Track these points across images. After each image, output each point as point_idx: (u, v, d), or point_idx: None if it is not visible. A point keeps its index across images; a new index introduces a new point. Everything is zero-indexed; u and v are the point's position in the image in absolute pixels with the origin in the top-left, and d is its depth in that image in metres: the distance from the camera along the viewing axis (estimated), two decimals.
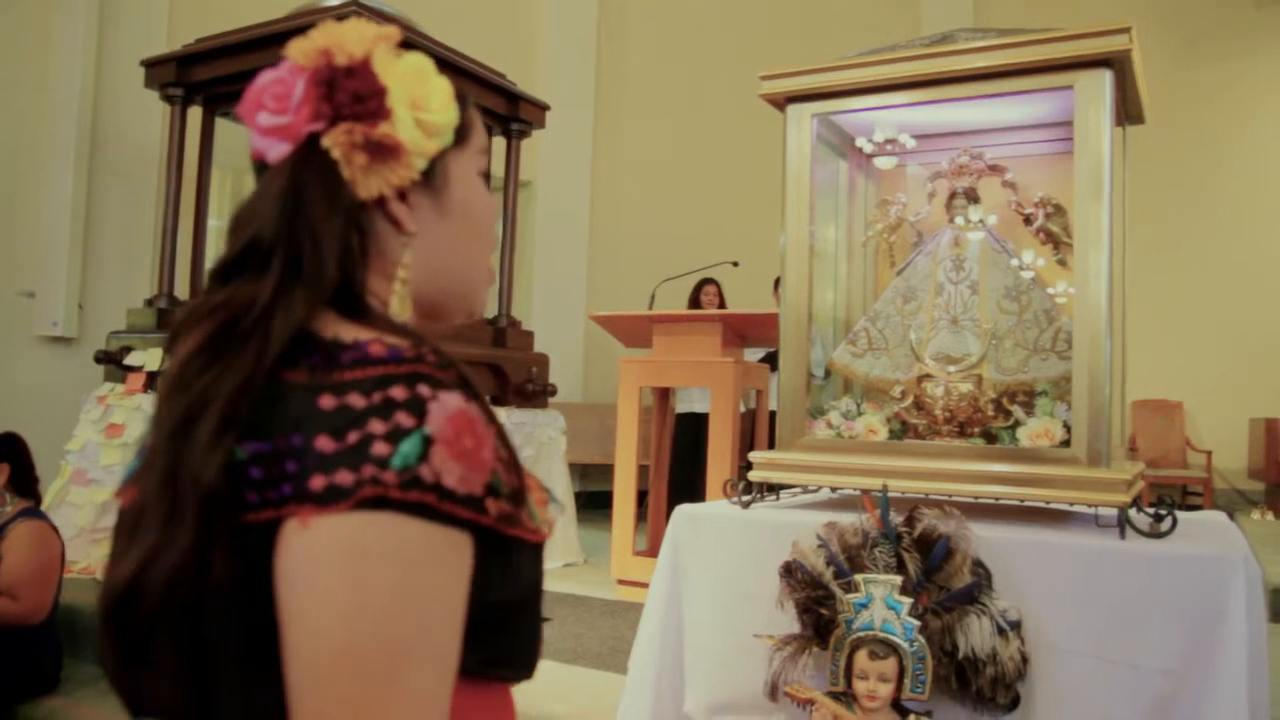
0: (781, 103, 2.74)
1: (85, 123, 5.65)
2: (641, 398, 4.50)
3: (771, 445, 2.74)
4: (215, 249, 5.44)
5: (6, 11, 5.46)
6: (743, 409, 4.81)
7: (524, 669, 0.78)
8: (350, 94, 0.76)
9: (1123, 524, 2.17)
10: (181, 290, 4.92)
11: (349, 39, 0.78)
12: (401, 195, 0.80)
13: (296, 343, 0.70)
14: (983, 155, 2.83)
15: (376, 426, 0.65)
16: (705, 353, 4.30)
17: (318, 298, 0.73)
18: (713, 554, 2.47)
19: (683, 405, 5.65)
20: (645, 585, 2.65)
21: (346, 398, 0.67)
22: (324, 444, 0.65)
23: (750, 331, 4.44)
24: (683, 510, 2.58)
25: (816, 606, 2.16)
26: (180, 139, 4.95)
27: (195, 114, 5.07)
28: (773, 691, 2.19)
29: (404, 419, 0.66)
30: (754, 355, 5.22)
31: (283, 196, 0.75)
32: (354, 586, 0.63)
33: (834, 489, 2.68)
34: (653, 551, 4.28)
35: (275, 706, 0.65)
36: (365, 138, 0.76)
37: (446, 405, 0.68)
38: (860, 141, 2.97)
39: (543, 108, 5.71)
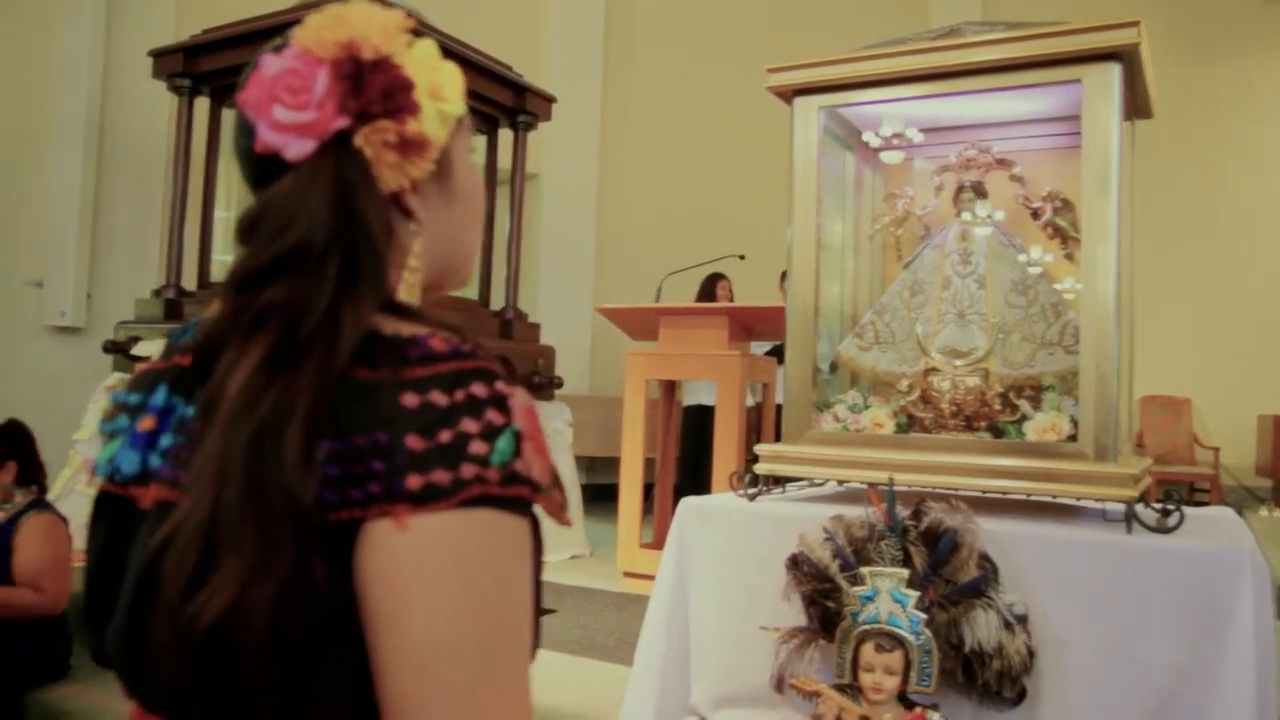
0: (789, 95, 2.74)
1: (93, 113, 5.66)
2: (648, 391, 4.51)
3: (778, 438, 2.75)
4: (223, 240, 5.45)
5: (14, 2, 5.46)
6: (750, 402, 4.81)
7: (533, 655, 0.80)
8: (380, 90, 0.74)
9: (1130, 519, 2.17)
10: (189, 280, 4.93)
11: (371, 30, 0.76)
12: (412, 185, 0.79)
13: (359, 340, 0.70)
14: (990, 149, 2.82)
15: (469, 425, 0.66)
16: (712, 346, 4.30)
17: (379, 297, 0.72)
18: (719, 546, 2.48)
19: (689, 398, 5.65)
20: (651, 578, 2.65)
21: (428, 395, 0.66)
22: (414, 442, 0.65)
23: (757, 325, 4.44)
24: (689, 503, 2.58)
25: (823, 599, 2.16)
26: (188, 130, 4.96)
27: (202, 105, 5.08)
28: (779, 684, 2.20)
29: (494, 416, 0.67)
30: (761, 349, 5.23)
31: (332, 197, 0.72)
32: (459, 583, 0.64)
33: (840, 482, 2.68)
34: (659, 544, 4.29)
35: (348, 698, 0.66)
36: (399, 136, 0.75)
37: (521, 399, 0.69)
38: (867, 135, 2.97)
39: (549, 100, 5.71)
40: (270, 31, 4.51)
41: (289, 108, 0.74)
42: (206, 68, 4.87)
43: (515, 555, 0.68)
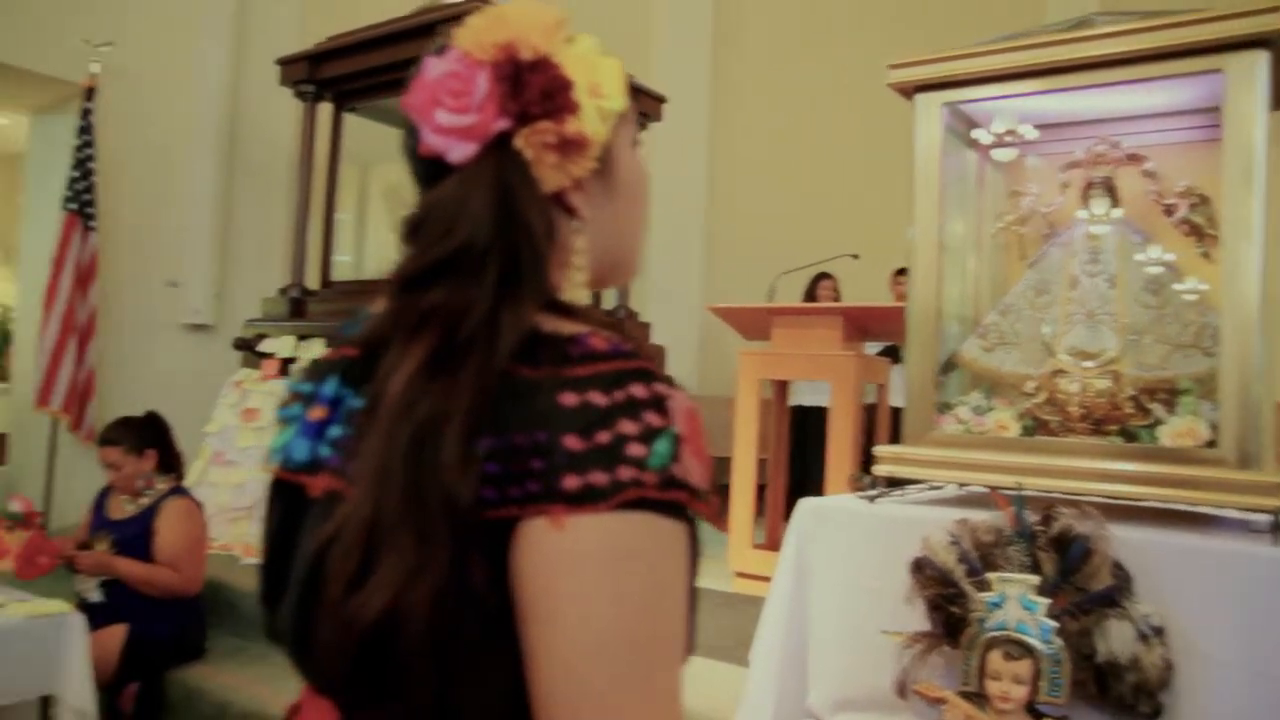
0: (910, 92, 2.69)
1: (225, 123, 5.92)
2: (760, 390, 4.49)
3: (894, 440, 2.70)
4: (345, 241, 5.65)
5: (154, 22, 5.74)
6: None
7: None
8: (539, 91, 0.75)
9: (1277, 529, 2.07)
10: (312, 280, 5.11)
11: (530, 30, 0.76)
12: (575, 182, 0.79)
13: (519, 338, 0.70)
14: (1120, 144, 2.73)
15: (628, 426, 0.66)
16: (826, 346, 4.26)
17: (540, 298, 0.73)
18: (838, 548, 2.46)
19: (791, 399, 5.61)
20: (764, 579, 2.65)
21: (588, 395, 0.67)
22: (573, 443, 0.65)
23: (872, 325, 4.38)
24: (807, 504, 2.57)
25: (947, 604, 2.12)
26: (310, 135, 5.14)
27: (325, 110, 5.26)
28: (901, 689, 2.17)
29: (653, 418, 0.66)
30: (874, 349, 5.15)
31: (494, 200, 0.73)
32: (613, 585, 0.64)
33: (962, 485, 2.63)
34: (771, 545, 4.28)
35: (505, 694, 0.68)
36: (559, 137, 0.75)
37: (681, 402, 0.69)
38: (977, 133, 2.89)
39: (660, 100, 5.73)
40: (390, 38, 4.66)
41: (451, 111, 0.75)
42: (329, 74, 5.04)
43: (670, 559, 0.67)
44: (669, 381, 0.70)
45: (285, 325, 4.80)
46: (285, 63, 5.13)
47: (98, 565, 3.45)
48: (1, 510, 2.74)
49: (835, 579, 2.44)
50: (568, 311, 0.75)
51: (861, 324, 4.36)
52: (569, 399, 0.66)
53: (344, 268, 5.40)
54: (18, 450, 5.79)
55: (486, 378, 0.67)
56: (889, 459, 2.61)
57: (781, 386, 4.82)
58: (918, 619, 2.18)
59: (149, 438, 3.63)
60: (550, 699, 0.65)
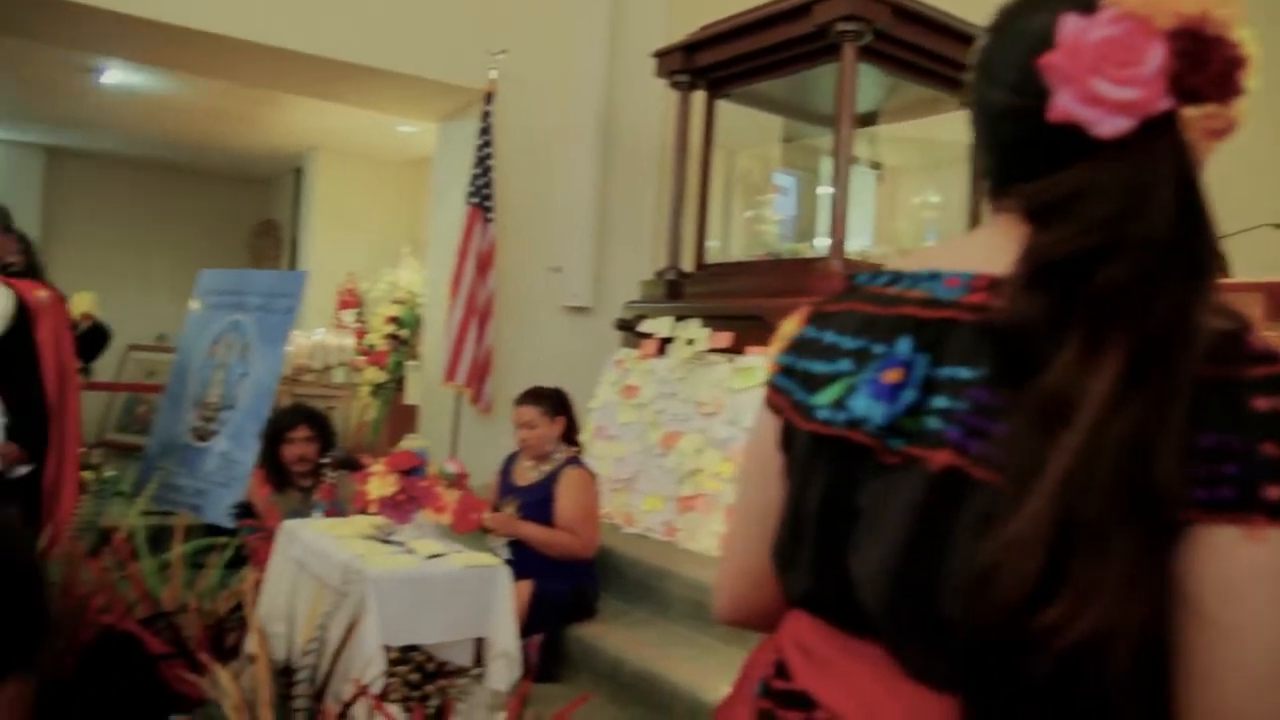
0: None
1: (601, 117, 6.28)
2: None
3: None
4: (719, 225, 5.81)
5: (540, 28, 6.21)
6: None
7: None
8: (1218, 72, 0.68)
9: None
10: (686, 263, 5.30)
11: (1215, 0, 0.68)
12: None
13: None
14: None
15: None
16: None
17: (1214, 292, 0.69)
18: None
19: None
20: None
21: (1275, 400, 0.63)
22: (1272, 450, 0.62)
23: None
24: None
25: None
26: (685, 123, 5.32)
27: (698, 99, 5.42)
28: None
29: None
30: None
31: (1176, 187, 0.68)
32: None
33: None
34: None
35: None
36: (1226, 124, 0.69)
37: None
38: None
39: None
40: (765, 23, 4.70)
41: (1113, 82, 0.68)
42: (702, 63, 5.18)
43: None
44: None
45: (663, 306, 5.01)
46: (661, 54, 5.35)
47: (506, 527, 3.80)
48: (440, 471, 3.08)
49: None
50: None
51: None
52: (1261, 403, 0.63)
53: (713, 251, 5.56)
54: (427, 421, 6.53)
55: (1188, 380, 0.64)
56: None
57: None
58: None
59: (560, 406, 3.96)
60: (1223, 715, 0.62)
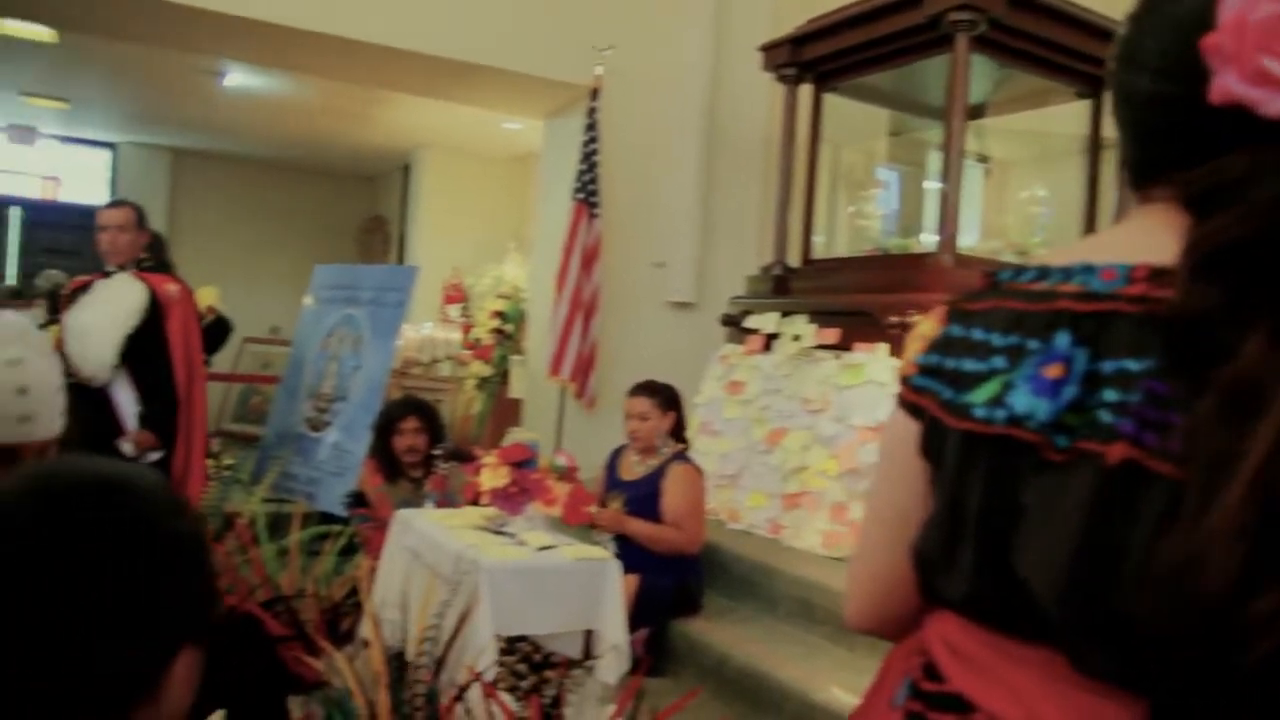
0: None
1: (705, 113, 6.27)
2: None
3: None
4: (824, 220, 5.73)
5: (645, 23, 6.22)
6: None
7: None
8: None
9: None
10: (792, 258, 5.25)
11: None
12: None
13: None
14: None
15: None
16: None
17: None
18: None
19: None
20: None
21: None
22: None
23: None
24: None
25: None
26: (792, 117, 5.27)
27: (804, 92, 5.36)
28: None
29: None
30: None
31: None
32: None
33: None
34: None
35: None
36: None
37: None
38: None
39: None
40: (873, 15, 4.62)
41: None
42: (809, 56, 5.11)
43: None
44: None
45: (769, 301, 4.97)
46: (768, 48, 5.30)
47: (614, 524, 3.82)
48: (550, 464, 3.11)
49: None
50: None
51: None
52: None
53: (818, 246, 5.49)
54: (531, 414, 6.61)
55: None
56: None
57: None
58: None
59: (672, 401, 3.97)
60: None
